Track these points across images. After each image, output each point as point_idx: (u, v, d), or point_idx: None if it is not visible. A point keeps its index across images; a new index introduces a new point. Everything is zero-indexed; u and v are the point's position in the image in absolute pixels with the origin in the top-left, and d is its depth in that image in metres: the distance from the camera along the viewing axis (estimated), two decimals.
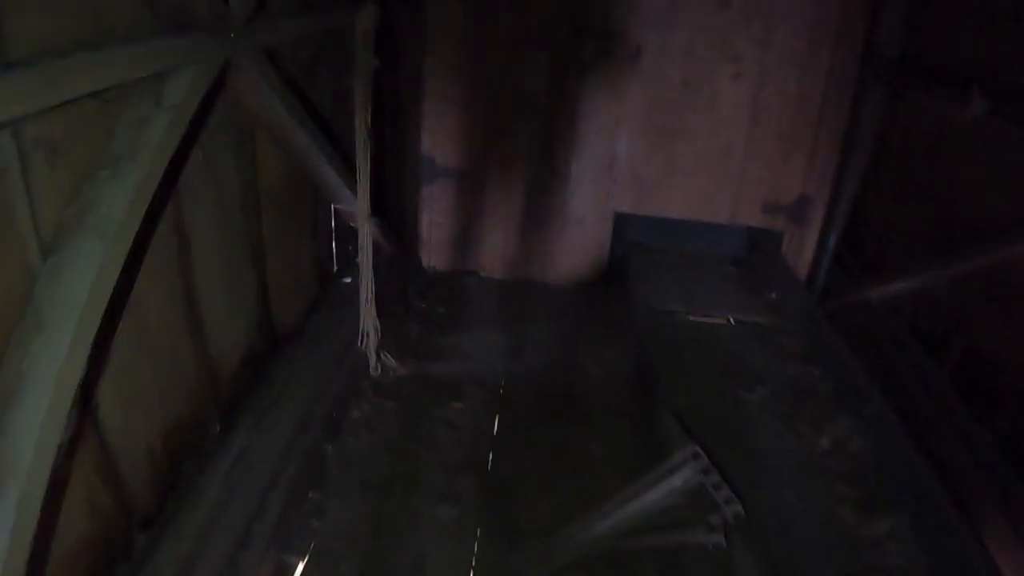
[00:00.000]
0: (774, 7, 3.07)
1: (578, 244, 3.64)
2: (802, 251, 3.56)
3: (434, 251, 3.69)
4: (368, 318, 2.56)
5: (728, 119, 3.31)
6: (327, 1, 2.43)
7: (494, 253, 3.66)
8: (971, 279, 2.45)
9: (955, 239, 2.55)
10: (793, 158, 3.39)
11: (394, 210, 3.47)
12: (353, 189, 2.44)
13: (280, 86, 1.96)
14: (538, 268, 3.66)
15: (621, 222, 3.57)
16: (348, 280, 2.77)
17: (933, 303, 2.68)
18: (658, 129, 3.34)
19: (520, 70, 3.25)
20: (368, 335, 2.59)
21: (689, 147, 3.37)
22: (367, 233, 2.48)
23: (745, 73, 3.21)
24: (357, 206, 2.45)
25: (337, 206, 2.62)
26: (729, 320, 3.07)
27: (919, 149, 2.85)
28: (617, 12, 3.12)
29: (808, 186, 3.44)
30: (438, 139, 3.44)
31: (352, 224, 2.56)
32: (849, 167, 3.26)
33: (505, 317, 3.35)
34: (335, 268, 2.89)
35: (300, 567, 1.90)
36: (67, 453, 1.23)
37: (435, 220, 3.64)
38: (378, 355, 2.67)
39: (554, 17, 3.16)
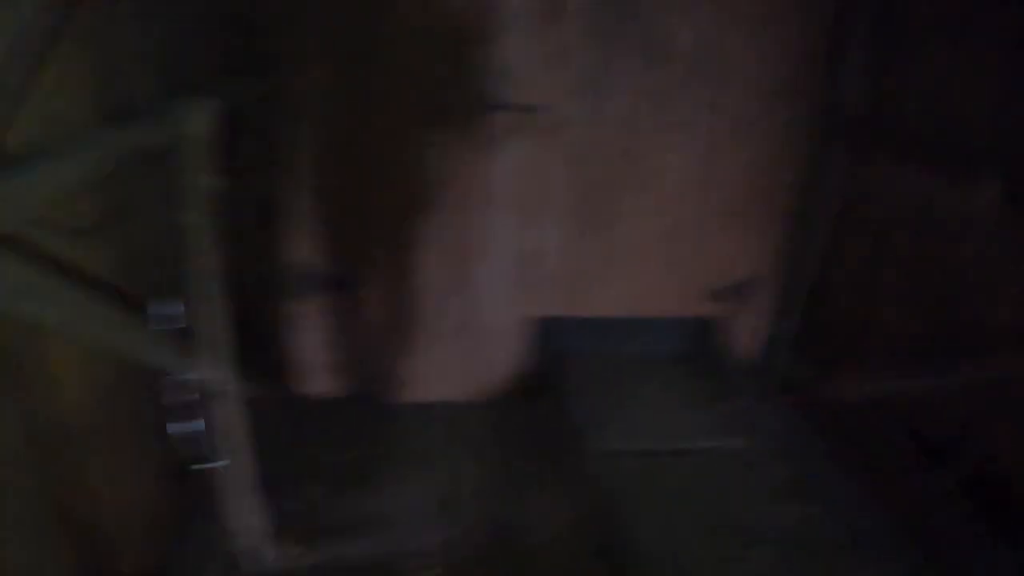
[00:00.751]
0: (723, 65, 2.68)
1: (495, 357, 3.05)
2: (755, 338, 3.20)
3: (321, 378, 2.99)
4: (246, 507, 1.97)
5: (674, 195, 2.86)
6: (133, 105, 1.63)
7: (395, 373, 3.01)
8: (985, 384, 2.14)
9: (962, 336, 2.25)
10: (745, 234, 3.00)
11: (266, 335, 2.84)
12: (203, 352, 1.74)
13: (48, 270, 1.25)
14: (450, 387, 3.04)
15: (548, 327, 3.02)
16: (216, 464, 1.92)
17: (937, 406, 2.35)
18: (593, 213, 2.85)
19: (416, 157, 2.66)
20: (250, 526, 2.00)
21: (630, 231, 2.90)
22: (231, 402, 1.85)
23: (693, 141, 2.79)
24: (206, 374, 1.76)
25: (180, 379, 1.78)
26: (698, 448, 2.58)
27: (903, 230, 2.54)
28: (535, 78, 2.59)
29: (761, 265, 3.07)
30: (319, 244, 2.76)
31: (204, 396, 1.83)
32: (807, 244, 2.95)
33: (422, 458, 2.69)
34: (196, 455, 1.96)
35: None
36: None
37: (320, 339, 2.93)
38: (273, 545, 2.09)
39: (453, 89, 2.58)
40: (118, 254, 1.65)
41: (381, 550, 2.21)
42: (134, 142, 1.55)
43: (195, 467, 1.90)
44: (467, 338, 3.00)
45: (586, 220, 2.88)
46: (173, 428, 1.87)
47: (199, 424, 1.85)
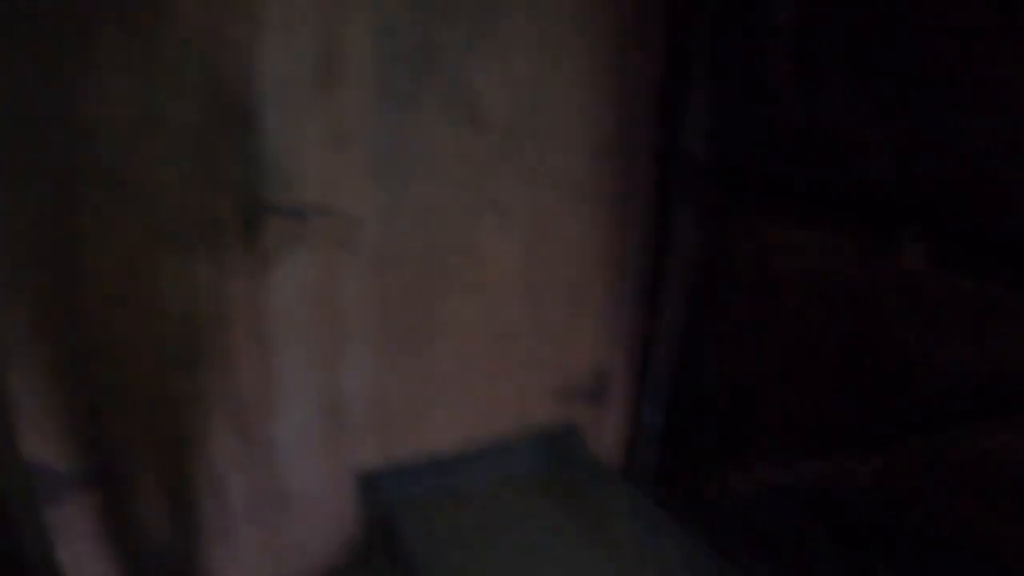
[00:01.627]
0: (542, 124, 2.13)
1: (309, 531, 2.24)
2: (614, 435, 2.66)
3: None
4: None
5: (500, 291, 2.25)
6: None
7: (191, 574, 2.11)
8: (915, 462, 1.85)
9: (880, 413, 1.92)
10: (589, 320, 2.46)
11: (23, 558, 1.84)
12: None
13: None
14: None
15: (372, 481, 2.29)
16: None
17: (855, 490, 1.99)
18: (405, 331, 2.15)
19: (160, 296, 1.81)
20: None
21: (452, 345, 2.23)
22: None
23: (514, 222, 2.18)
24: None
25: None
26: None
27: (787, 296, 2.14)
28: (313, 168, 1.86)
29: (613, 352, 2.54)
30: (56, 431, 1.83)
31: None
32: (663, 321, 2.48)
33: None
34: None
35: None
36: None
37: (89, 552, 1.98)
38: None
39: (199, 196, 1.77)
40: None
41: None
42: None
43: None
44: (270, 514, 2.14)
45: (398, 341, 2.15)
46: None
47: None
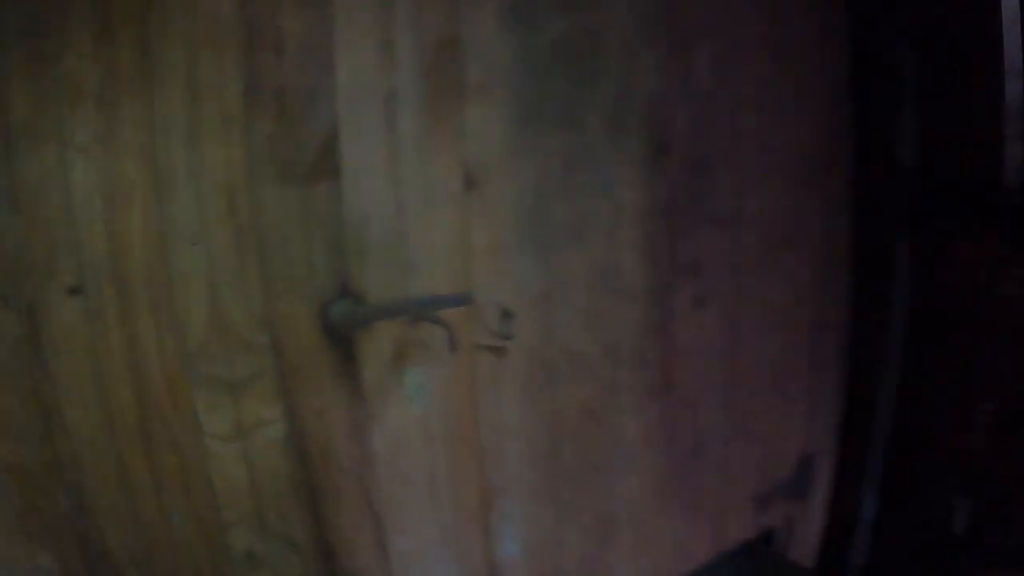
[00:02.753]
0: (739, 151, 1.51)
1: None
2: (816, 530, 2.02)
3: None
4: None
5: (694, 386, 1.58)
6: None
7: None
8: None
9: None
10: (791, 403, 1.82)
11: None
12: None
13: None
14: None
15: None
16: None
17: None
18: (578, 464, 1.48)
19: (207, 452, 1.15)
20: None
21: (636, 470, 1.55)
22: None
23: (712, 288, 1.54)
24: None
25: None
26: None
27: None
28: (430, 236, 1.27)
29: (814, 436, 1.90)
30: None
31: None
32: (878, 381, 1.84)
33: None
34: None
35: None
36: None
37: None
38: None
39: (255, 297, 1.14)
40: None
41: None
42: None
43: None
44: None
45: (569, 479, 1.48)
46: None
47: None
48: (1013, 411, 1.68)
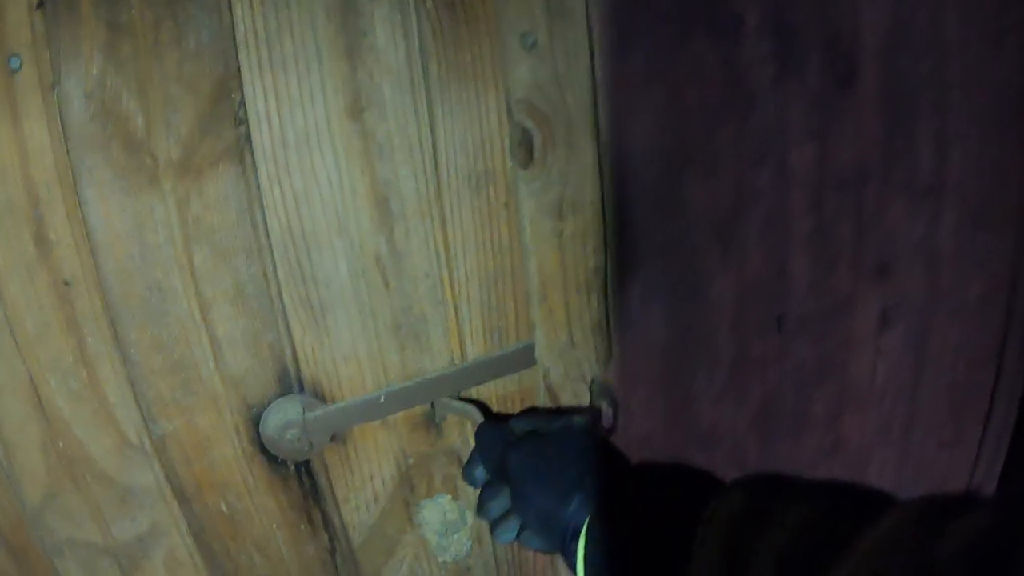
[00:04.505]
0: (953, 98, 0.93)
1: None
2: None
3: None
4: None
5: (861, 439, 1.05)
6: None
7: None
8: None
9: None
10: (963, 448, 1.27)
11: None
12: None
13: None
14: None
15: None
16: None
17: None
18: None
19: None
20: None
21: None
22: None
23: (901, 303, 0.99)
24: None
25: None
26: None
27: None
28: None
29: (982, 466, 1.33)
30: None
31: None
32: None
33: None
34: None
35: None
36: None
37: None
38: None
39: None
40: None
41: None
42: None
43: None
44: None
45: None
46: None
47: None
48: None
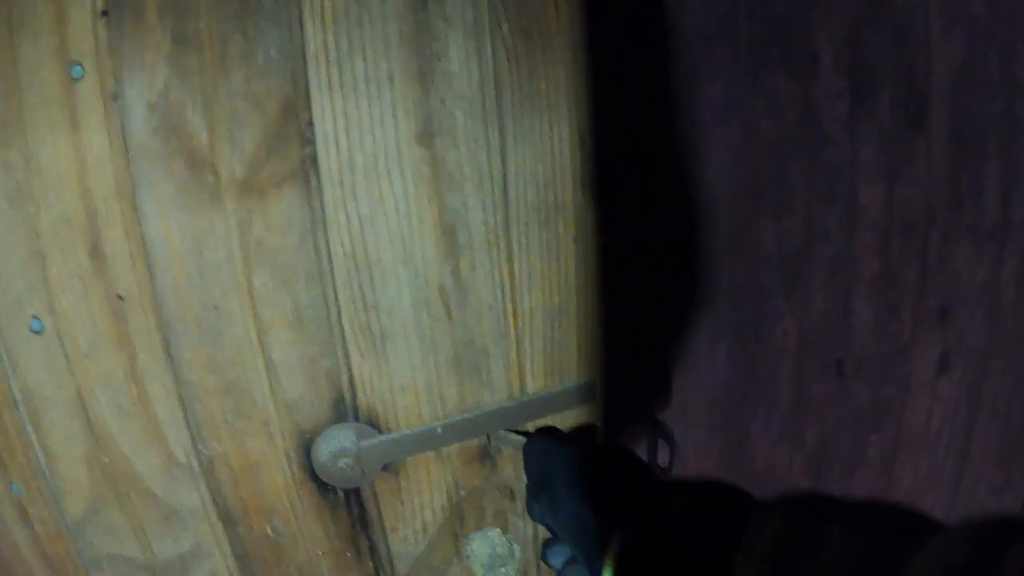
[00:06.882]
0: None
1: None
2: None
3: None
4: None
5: (913, 483, 1.01)
6: None
7: None
8: None
9: None
10: (1013, 477, 1.18)
11: None
12: None
13: None
14: None
15: None
16: None
17: None
18: None
19: None
20: None
21: None
22: None
23: (960, 347, 0.95)
24: None
25: None
26: None
27: None
28: None
29: None
30: None
31: None
32: None
33: None
34: None
35: None
36: None
37: None
38: None
39: None
40: None
41: None
42: None
43: None
44: None
45: None
46: None
47: None
48: None
